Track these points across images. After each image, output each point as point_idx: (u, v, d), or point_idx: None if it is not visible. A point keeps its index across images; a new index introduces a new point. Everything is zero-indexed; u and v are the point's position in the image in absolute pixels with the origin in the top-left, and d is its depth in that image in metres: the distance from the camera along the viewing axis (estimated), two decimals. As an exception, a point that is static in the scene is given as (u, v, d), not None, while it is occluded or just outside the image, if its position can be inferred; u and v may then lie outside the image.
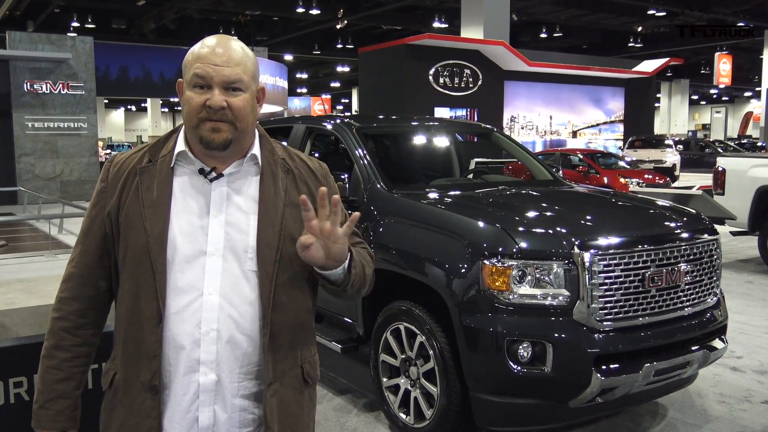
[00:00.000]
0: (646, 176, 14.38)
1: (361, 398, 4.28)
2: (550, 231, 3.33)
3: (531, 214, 3.67)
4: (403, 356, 3.69)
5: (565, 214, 3.75)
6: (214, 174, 1.62)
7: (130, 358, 1.60)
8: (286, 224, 1.63)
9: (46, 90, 16.26)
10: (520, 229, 3.34)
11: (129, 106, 56.00)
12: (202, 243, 1.58)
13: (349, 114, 18.81)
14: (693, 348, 3.46)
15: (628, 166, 15.52)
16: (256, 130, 1.69)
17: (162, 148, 1.67)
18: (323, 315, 4.57)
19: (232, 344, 1.59)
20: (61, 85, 16.43)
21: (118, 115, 57.24)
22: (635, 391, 3.32)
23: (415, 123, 5.23)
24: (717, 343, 3.61)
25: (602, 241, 3.26)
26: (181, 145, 1.64)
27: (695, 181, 15.54)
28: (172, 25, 24.75)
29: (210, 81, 1.55)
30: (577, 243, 3.21)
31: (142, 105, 49.84)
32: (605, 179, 13.46)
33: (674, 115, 40.95)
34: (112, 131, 53.23)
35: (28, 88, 16.13)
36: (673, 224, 3.64)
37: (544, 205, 3.99)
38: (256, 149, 1.67)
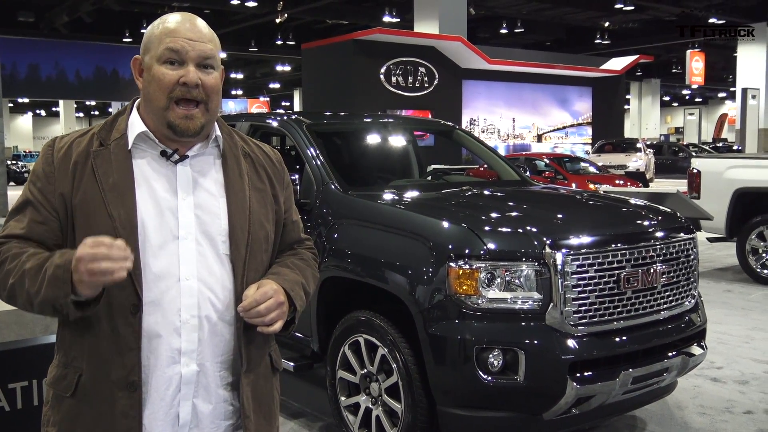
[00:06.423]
0: (617, 182, 14.83)
1: (317, 421, 4.34)
2: (520, 230, 3.47)
3: (498, 213, 3.81)
4: (363, 372, 3.77)
5: (535, 213, 3.91)
6: (177, 156, 1.70)
7: (98, 355, 1.62)
8: (253, 208, 1.76)
9: (-59, 92, 15.76)
10: (488, 228, 3.47)
11: (38, 111, 54.81)
12: (172, 227, 1.66)
13: (297, 111, 18.67)
14: (671, 354, 3.63)
15: (598, 171, 15.97)
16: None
17: (111, 131, 1.72)
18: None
19: (213, 332, 1.67)
20: (-41, 86, 15.93)
21: (25, 121, 55.94)
22: (612, 401, 3.47)
23: (369, 120, 5.34)
24: (695, 349, 3.79)
25: (575, 241, 3.41)
26: (139, 126, 1.69)
27: (669, 186, 16.08)
28: (88, 18, 24.38)
29: (185, 56, 1.64)
30: (548, 243, 3.35)
31: (53, 109, 48.88)
32: (573, 185, 13.82)
33: (645, 118, 42.12)
34: (19, 139, 51.96)
35: None
36: (647, 223, 3.83)
37: (511, 204, 4.14)
38: (218, 132, 1.77)
